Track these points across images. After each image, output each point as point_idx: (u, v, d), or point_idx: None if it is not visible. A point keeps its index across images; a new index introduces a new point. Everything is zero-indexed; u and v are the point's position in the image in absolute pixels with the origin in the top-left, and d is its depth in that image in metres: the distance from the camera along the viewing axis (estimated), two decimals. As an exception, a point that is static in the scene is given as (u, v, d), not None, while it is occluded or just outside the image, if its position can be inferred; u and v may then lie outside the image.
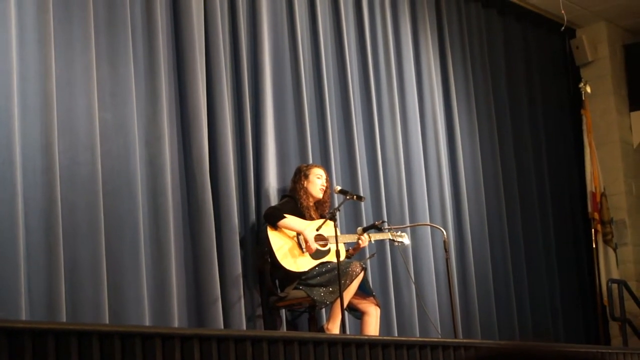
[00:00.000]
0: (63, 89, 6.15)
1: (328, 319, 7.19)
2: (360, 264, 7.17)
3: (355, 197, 7.28)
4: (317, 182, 7.37)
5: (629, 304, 10.38)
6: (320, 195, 7.38)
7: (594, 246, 10.93)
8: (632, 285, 10.70)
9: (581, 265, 11.23)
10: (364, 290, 7.25)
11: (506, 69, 10.70)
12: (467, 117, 9.86)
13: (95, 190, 6.14)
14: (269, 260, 7.08)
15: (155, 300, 6.45)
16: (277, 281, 7.25)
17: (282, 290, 7.17)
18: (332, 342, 5.66)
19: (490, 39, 10.58)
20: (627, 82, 11.80)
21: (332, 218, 6.98)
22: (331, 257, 7.16)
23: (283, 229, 7.17)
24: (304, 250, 7.16)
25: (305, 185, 7.34)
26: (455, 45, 9.95)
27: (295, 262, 7.12)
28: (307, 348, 5.65)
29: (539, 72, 11.23)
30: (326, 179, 7.45)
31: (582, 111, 11.28)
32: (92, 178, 6.15)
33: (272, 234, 7.12)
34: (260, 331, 6.90)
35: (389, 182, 8.68)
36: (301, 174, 7.38)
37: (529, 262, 10.30)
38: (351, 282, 7.03)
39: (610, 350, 8.08)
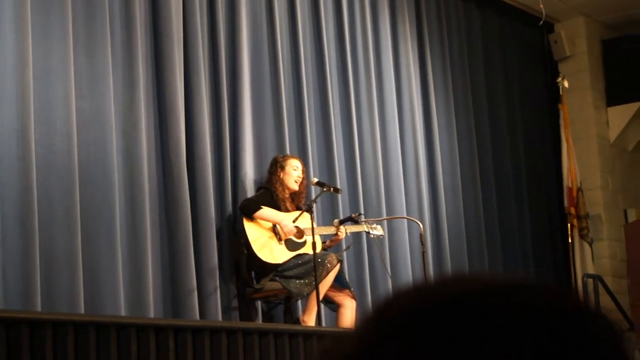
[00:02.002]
0: (40, 78, 6.12)
1: (304, 311, 7.18)
2: (336, 256, 7.16)
3: (332, 189, 7.28)
4: (293, 174, 7.33)
5: (604, 299, 10.40)
6: (296, 186, 7.35)
7: (569, 241, 10.96)
8: (608, 280, 10.72)
9: (557, 260, 11.26)
10: (340, 283, 7.25)
11: (484, 62, 10.70)
12: (444, 110, 9.86)
13: (72, 179, 6.12)
14: (245, 251, 7.08)
15: (130, 290, 6.43)
16: (253, 273, 7.24)
17: (258, 282, 7.16)
18: (308, 334, 5.67)
19: (469, 33, 10.58)
20: (605, 77, 11.82)
21: (309, 210, 6.97)
22: (307, 249, 7.15)
23: (259, 221, 7.15)
24: (282, 238, 7.14)
25: (281, 176, 7.31)
26: (434, 38, 9.94)
27: (272, 253, 7.11)
28: (282, 340, 5.66)
29: (517, 66, 11.24)
30: (302, 170, 7.42)
31: (560, 106, 11.29)
32: (69, 167, 6.13)
33: (248, 226, 7.10)
34: (236, 322, 6.90)
35: (366, 174, 8.67)
36: (277, 165, 7.35)
37: (505, 255, 10.32)
38: (327, 274, 7.02)
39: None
